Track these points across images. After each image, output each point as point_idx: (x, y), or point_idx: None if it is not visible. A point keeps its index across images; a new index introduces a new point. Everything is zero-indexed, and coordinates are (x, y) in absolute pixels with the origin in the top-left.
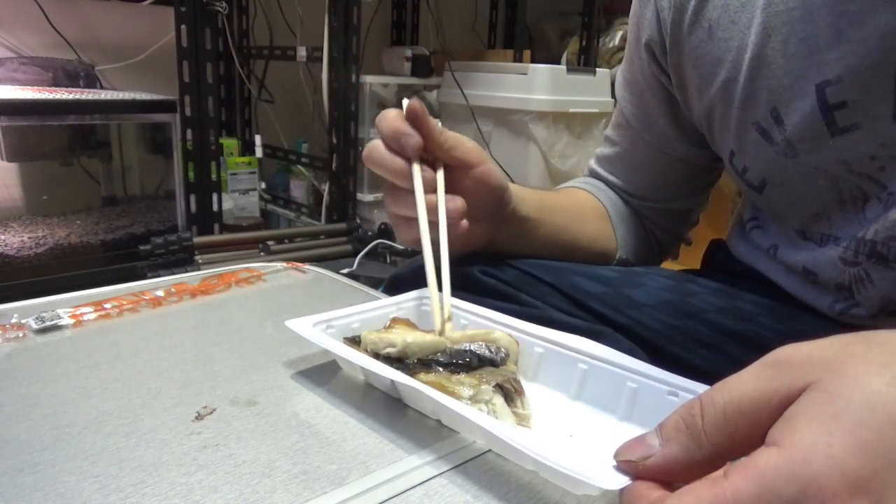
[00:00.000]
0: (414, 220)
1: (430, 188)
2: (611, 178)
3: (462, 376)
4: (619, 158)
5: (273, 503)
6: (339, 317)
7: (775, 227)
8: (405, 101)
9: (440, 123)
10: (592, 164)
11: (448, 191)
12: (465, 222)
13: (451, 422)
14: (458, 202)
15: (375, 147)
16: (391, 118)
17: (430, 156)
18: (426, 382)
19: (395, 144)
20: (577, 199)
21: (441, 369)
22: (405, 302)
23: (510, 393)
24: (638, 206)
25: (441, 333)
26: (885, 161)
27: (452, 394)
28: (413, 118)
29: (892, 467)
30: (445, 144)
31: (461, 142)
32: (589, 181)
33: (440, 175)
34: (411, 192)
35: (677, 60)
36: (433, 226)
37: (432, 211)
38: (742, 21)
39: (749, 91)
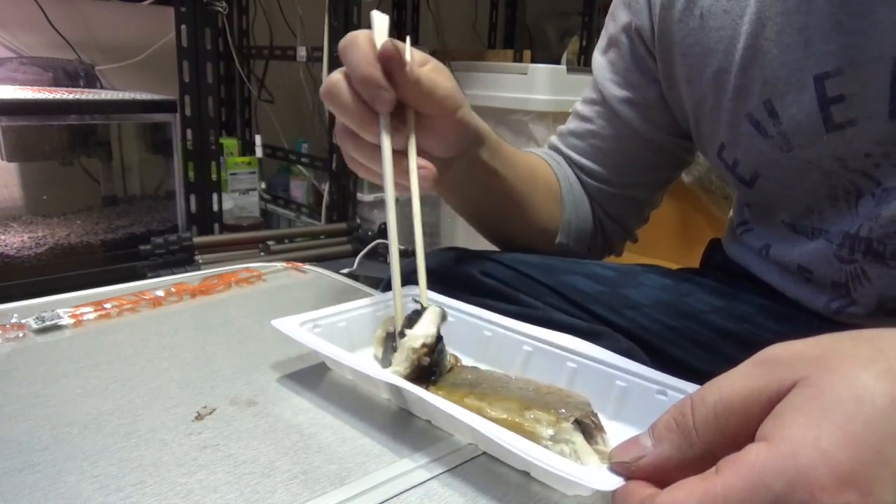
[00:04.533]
0: (371, 170)
1: (400, 145)
2: (574, 155)
3: (536, 411)
4: (588, 135)
5: (273, 503)
6: (326, 315)
7: (764, 224)
8: (374, 16)
9: (410, 54)
10: (554, 140)
11: (419, 130)
12: (428, 184)
13: (441, 422)
14: (430, 171)
15: (338, 87)
16: (361, 57)
17: (403, 101)
18: (497, 420)
19: (364, 93)
20: (533, 163)
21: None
22: (391, 300)
23: (589, 429)
24: (594, 190)
25: (401, 334)
26: (879, 158)
27: (531, 434)
28: (388, 63)
29: (880, 460)
30: (423, 91)
31: (437, 86)
32: (551, 154)
33: (412, 140)
34: (372, 143)
35: (666, 49)
36: (398, 185)
37: (402, 175)
38: (735, 10)
39: (742, 82)
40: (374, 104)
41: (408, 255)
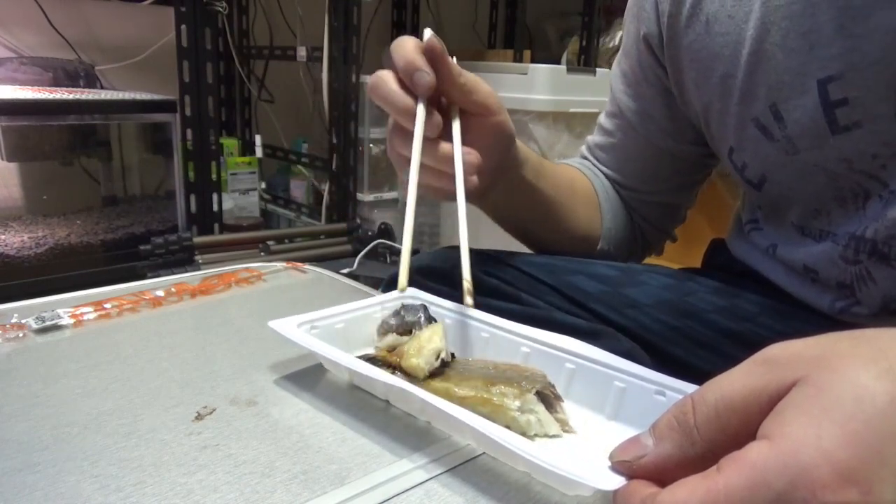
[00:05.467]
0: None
1: (438, 133)
2: (601, 167)
3: (501, 386)
4: (611, 148)
5: (273, 503)
6: (324, 317)
7: (774, 225)
8: (426, 32)
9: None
10: (584, 151)
11: (463, 130)
12: (475, 178)
13: (441, 423)
14: (475, 156)
15: (383, 79)
16: (408, 49)
17: (446, 99)
18: (465, 398)
19: (406, 78)
20: (572, 176)
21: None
22: (389, 301)
23: (549, 399)
24: (627, 197)
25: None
26: (887, 159)
27: (500, 406)
28: (431, 55)
29: (880, 458)
30: (465, 87)
31: (479, 86)
32: (585, 164)
33: (456, 125)
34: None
35: (674, 55)
36: (444, 175)
37: (447, 161)
38: (739, 15)
39: (747, 87)
40: (415, 87)
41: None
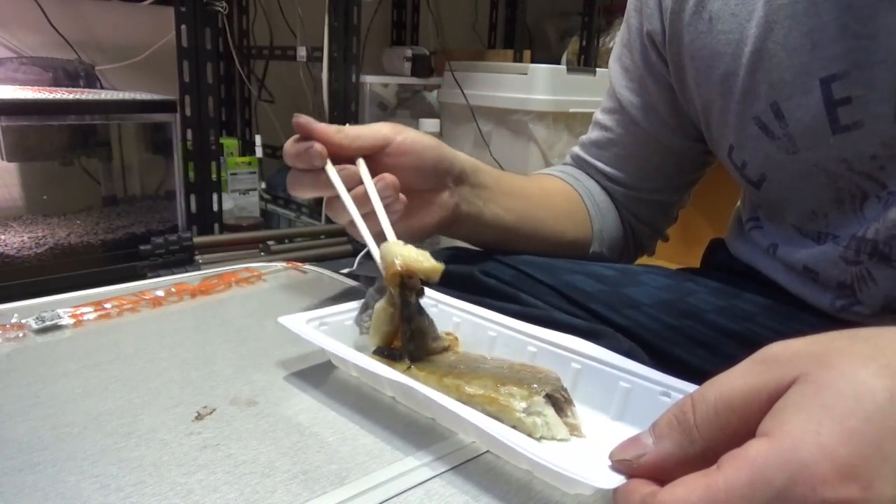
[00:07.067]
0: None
1: (356, 182)
2: (598, 164)
3: (511, 386)
4: (610, 144)
5: (273, 503)
6: (333, 314)
7: (774, 225)
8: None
9: (348, 125)
10: (577, 150)
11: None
12: (402, 196)
13: (446, 420)
14: (387, 179)
15: (292, 175)
16: (288, 146)
17: (345, 157)
18: (474, 396)
19: (302, 164)
20: (543, 184)
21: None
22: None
23: (559, 402)
24: (621, 196)
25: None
26: (885, 160)
27: (506, 408)
28: (304, 132)
29: (880, 454)
30: (346, 140)
31: (363, 129)
32: (566, 170)
33: (361, 163)
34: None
35: (676, 52)
36: (372, 215)
37: (367, 201)
38: (742, 14)
39: (749, 85)
40: (312, 161)
41: None
